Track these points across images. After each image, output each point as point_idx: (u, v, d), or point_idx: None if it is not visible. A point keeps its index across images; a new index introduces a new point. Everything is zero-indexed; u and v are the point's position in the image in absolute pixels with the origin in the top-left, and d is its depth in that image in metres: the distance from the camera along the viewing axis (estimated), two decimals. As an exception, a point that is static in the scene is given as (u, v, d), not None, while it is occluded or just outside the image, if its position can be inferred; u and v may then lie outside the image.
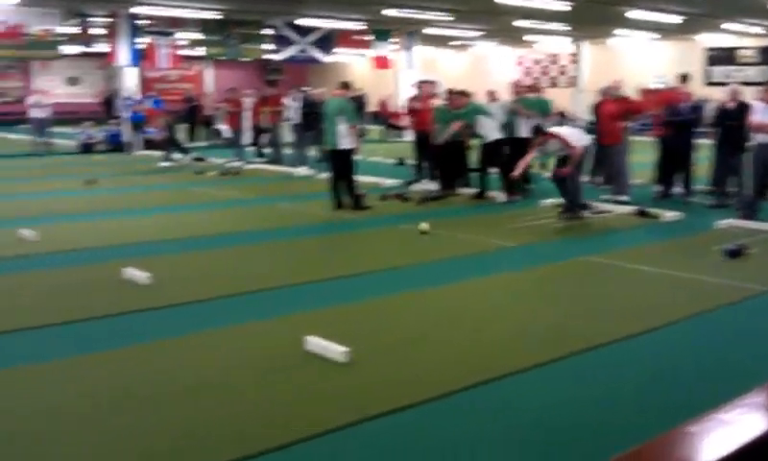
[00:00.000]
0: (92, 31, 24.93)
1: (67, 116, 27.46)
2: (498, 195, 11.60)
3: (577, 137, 9.61)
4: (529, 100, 12.11)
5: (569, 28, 25.11)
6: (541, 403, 4.07)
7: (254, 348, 4.97)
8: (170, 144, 17.99)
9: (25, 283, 6.73)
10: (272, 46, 24.27)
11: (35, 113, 20.88)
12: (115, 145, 21.10)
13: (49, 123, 21.00)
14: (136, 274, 6.72)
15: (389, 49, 26.37)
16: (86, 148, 21.07)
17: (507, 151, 11.46)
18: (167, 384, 4.35)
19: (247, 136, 18.30)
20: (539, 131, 9.81)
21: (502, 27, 25.01)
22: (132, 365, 4.67)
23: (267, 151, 17.93)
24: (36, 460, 3.50)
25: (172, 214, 10.67)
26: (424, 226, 8.93)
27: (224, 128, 20.17)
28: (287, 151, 17.32)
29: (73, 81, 40.95)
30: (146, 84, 24.06)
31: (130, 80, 21.49)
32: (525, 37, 28.82)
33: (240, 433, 3.70)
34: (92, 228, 9.54)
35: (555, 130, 9.83)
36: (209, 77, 43.82)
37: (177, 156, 17.86)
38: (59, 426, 3.81)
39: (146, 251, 8.01)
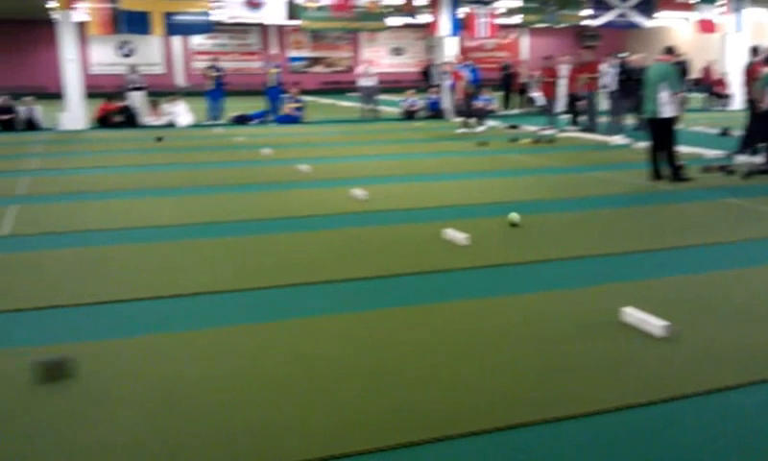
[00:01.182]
0: (415, 2, 26.12)
1: (391, 85, 29.22)
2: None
3: None
4: None
5: None
6: None
7: (568, 314, 5.04)
8: (472, 112, 18.50)
9: (356, 238, 7.39)
10: (589, 11, 23.78)
11: (363, 82, 22.44)
12: (435, 112, 22.10)
13: (376, 91, 22.48)
14: (455, 235, 7.09)
15: (715, 12, 24.61)
16: (408, 115, 22.29)
17: None
18: (474, 337, 4.59)
19: (561, 104, 18.22)
20: None
21: None
22: (450, 319, 4.99)
23: (582, 119, 17.71)
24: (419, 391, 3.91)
25: (487, 179, 11.00)
26: (515, 216, 7.80)
27: (537, 95, 20.25)
28: (602, 119, 16.99)
29: (397, 51, 43.20)
30: (463, 53, 24.76)
31: (449, 49, 22.30)
32: None
33: (550, 395, 3.81)
34: (415, 190, 10.16)
35: None
36: (525, 44, 43.93)
37: (489, 122, 18.31)
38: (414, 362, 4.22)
39: (464, 213, 8.39)
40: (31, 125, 19.64)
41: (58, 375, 4.02)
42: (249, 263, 6.48)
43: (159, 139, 16.46)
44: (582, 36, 38.66)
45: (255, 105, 23.25)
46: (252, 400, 3.80)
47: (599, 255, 6.61)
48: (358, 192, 9.48)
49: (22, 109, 19.92)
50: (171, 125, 20.35)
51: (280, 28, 40.72)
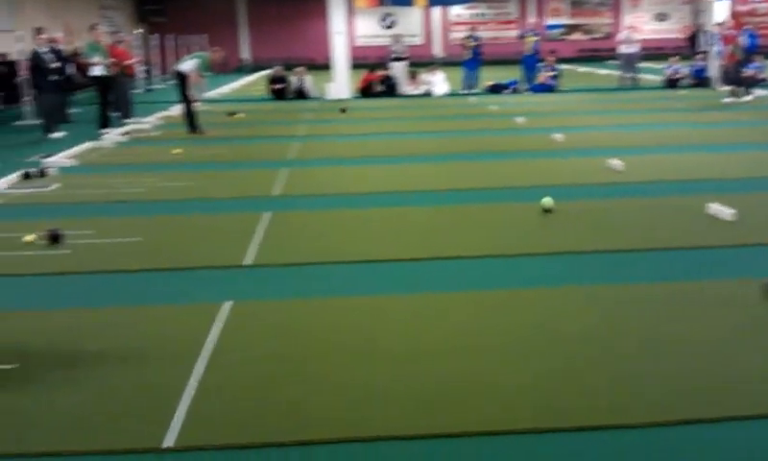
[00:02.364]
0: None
1: (654, 52, 27.86)
2: None
3: None
4: None
5: None
6: None
7: None
8: (741, 79, 17.14)
9: (612, 210, 7.21)
10: None
11: (623, 49, 21.62)
12: (700, 80, 20.79)
13: (637, 58, 21.56)
14: (721, 209, 6.70)
15: None
16: (671, 83, 21.16)
17: None
18: (741, 319, 4.35)
19: None
20: None
21: None
22: (715, 298, 4.76)
23: None
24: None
25: (759, 152, 10.23)
26: (548, 201, 7.10)
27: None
28: None
29: (661, 16, 41.17)
30: (734, 17, 23.00)
31: (719, 13, 20.85)
32: None
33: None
34: (675, 161, 9.70)
35: None
36: (807, 6, 40.07)
37: (760, 92, 16.93)
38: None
39: (731, 187, 7.88)
40: (301, 94, 20.99)
41: None
42: (502, 230, 6.58)
43: (343, 110, 16.96)
44: None
45: (509, 74, 23.17)
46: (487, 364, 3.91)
47: None
48: (615, 162, 9.21)
49: (294, 80, 21.34)
50: (428, 94, 20.84)
51: (540, -5, 40.23)
